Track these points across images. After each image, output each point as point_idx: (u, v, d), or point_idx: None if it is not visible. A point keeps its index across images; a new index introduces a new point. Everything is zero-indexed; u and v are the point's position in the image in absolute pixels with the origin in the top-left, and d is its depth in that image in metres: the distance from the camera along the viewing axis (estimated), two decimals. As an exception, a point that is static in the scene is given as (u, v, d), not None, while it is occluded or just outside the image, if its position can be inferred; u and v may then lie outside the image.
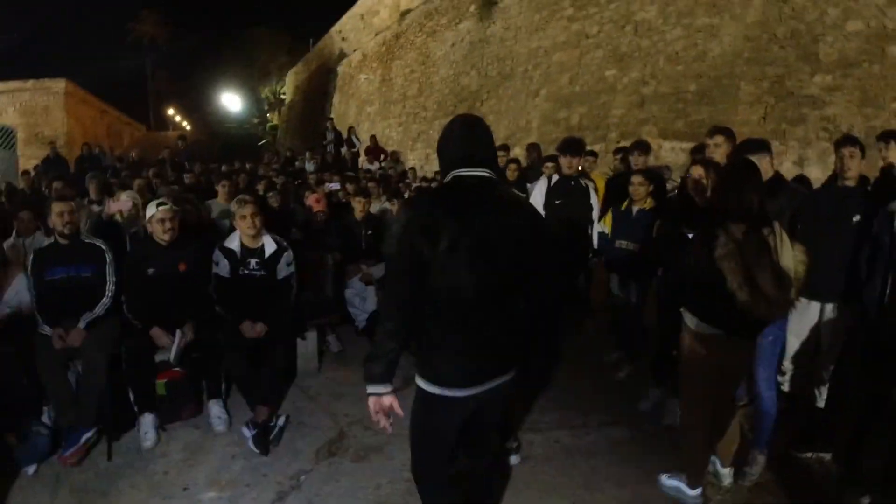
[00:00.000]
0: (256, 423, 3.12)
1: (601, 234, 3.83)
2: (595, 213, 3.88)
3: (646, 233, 3.54)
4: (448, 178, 1.84)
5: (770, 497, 2.65)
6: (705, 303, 2.33)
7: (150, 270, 3.41)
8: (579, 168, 3.93)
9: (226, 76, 32.04)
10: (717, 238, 2.18)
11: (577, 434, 3.17)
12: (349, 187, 6.48)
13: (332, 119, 13.46)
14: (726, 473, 2.70)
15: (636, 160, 4.37)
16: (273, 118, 30.42)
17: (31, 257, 3.40)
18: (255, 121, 31.15)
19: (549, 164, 4.40)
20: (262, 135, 29.25)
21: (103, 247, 3.44)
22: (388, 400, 1.74)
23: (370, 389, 1.74)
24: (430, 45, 15.77)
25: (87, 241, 3.45)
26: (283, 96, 29.78)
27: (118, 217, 4.64)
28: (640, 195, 3.65)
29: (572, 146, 3.80)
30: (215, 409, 3.35)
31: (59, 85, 17.61)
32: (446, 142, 1.88)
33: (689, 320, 2.44)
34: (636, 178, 3.67)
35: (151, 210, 3.47)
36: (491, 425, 2.05)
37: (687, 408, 2.59)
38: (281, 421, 3.23)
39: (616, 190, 4.28)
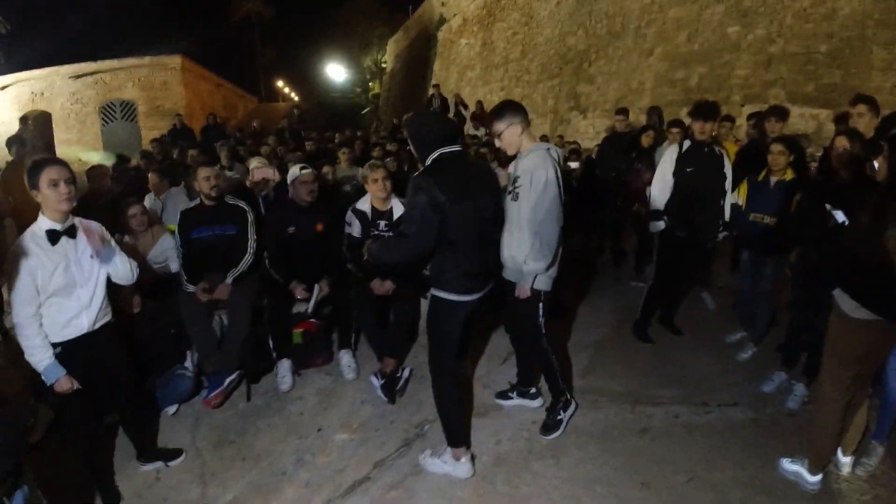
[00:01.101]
0: (384, 373, 3.35)
1: (734, 206, 3.60)
2: (728, 183, 3.64)
3: (784, 206, 3.30)
4: (435, 154, 2.44)
5: (883, 490, 2.50)
6: (867, 286, 2.16)
7: (291, 230, 3.67)
8: (713, 134, 3.67)
9: (329, 48, 33.06)
10: (886, 217, 2.00)
11: (696, 412, 3.10)
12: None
13: (437, 86, 13.51)
14: (846, 462, 2.59)
15: (772, 127, 4.05)
16: (375, 87, 31.15)
17: (168, 213, 3.72)
18: (358, 90, 32.07)
19: (675, 130, 4.16)
20: (364, 104, 30.13)
21: (245, 207, 3.72)
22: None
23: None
24: (533, 5, 15.23)
25: (230, 202, 3.72)
26: (384, 65, 30.31)
27: (252, 183, 5.05)
28: (779, 165, 3.37)
29: (707, 110, 3.55)
30: (345, 358, 3.62)
31: (175, 61, 18.74)
32: (425, 131, 2.52)
33: (844, 304, 2.28)
34: (776, 147, 3.39)
35: (295, 173, 3.71)
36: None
37: (827, 393, 2.45)
38: (406, 373, 3.45)
39: (750, 159, 4.00)
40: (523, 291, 2.72)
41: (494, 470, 2.66)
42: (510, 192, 2.68)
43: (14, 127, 16.20)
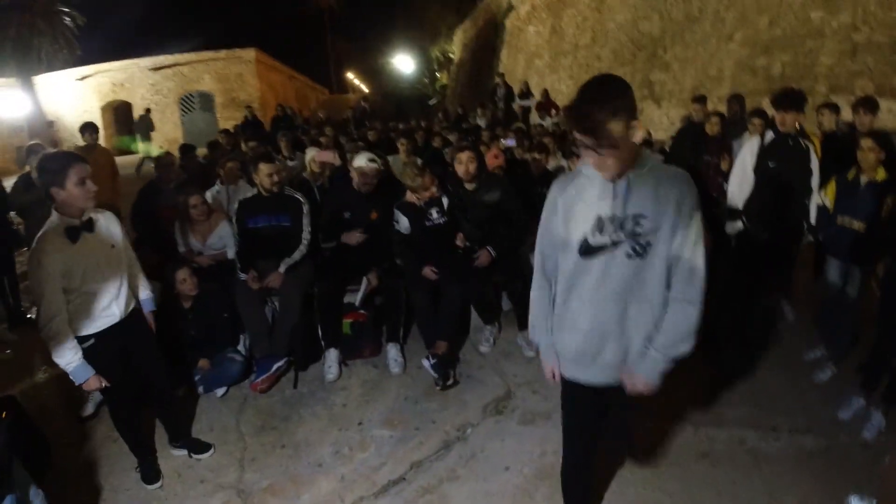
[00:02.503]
0: (436, 354, 3.31)
1: (821, 208, 3.22)
2: (815, 181, 3.25)
3: (875, 209, 2.93)
4: None
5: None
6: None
7: (347, 215, 3.71)
8: (797, 126, 3.30)
9: (397, 39, 33.32)
10: None
11: (764, 437, 2.80)
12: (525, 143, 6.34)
13: (502, 74, 13.29)
14: None
15: (861, 120, 3.64)
16: (442, 77, 31.12)
17: (234, 205, 3.77)
18: (426, 80, 32.17)
19: (757, 121, 3.78)
20: (431, 94, 30.18)
21: (301, 199, 3.76)
22: None
23: None
24: (605, -11, 14.60)
25: (287, 193, 3.77)
26: (451, 55, 30.21)
27: (310, 172, 5.10)
28: (869, 163, 2.98)
29: (791, 99, 3.19)
30: (393, 351, 3.59)
31: (250, 54, 19.51)
32: None
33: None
34: (866, 143, 2.99)
35: (360, 161, 3.74)
36: None
37: None
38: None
39: (833, 154, 3.58)
40: (651, 384, 1.72)
41: (536, 483, 2.52)
42: (618, 242, 1.60)
43: (95, 115, 17.36)
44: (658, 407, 3.04)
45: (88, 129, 5.60)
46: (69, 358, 2.26)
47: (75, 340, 2.29)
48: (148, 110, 15.63)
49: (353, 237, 3.67)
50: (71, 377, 2.31)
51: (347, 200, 3.76)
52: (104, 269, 2.36)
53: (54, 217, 2.25)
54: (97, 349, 2.35)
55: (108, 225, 2.44)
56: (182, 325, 3.39)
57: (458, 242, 3.68)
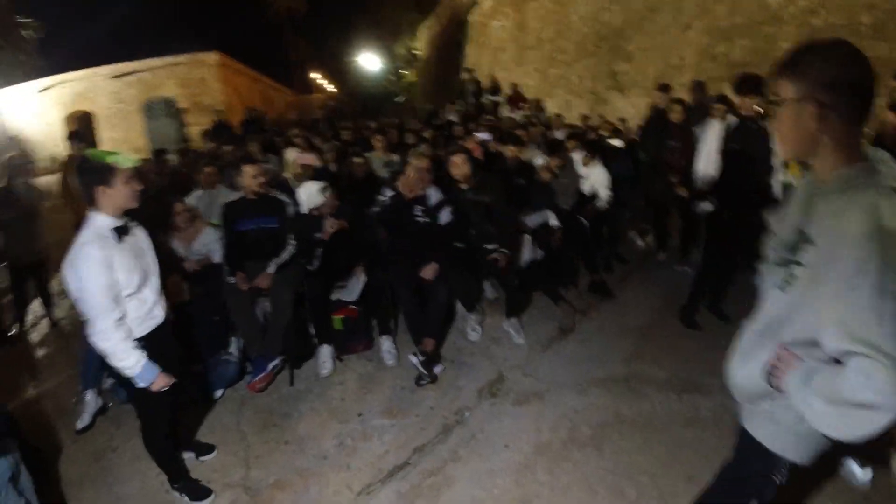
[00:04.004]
0: (424, 352, 3.37)
1: (785, 185, 3.41)
2: (777, 160, 3.44)
3: None
4: None
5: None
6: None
7: (317, 234, 3.73)
8: (757, 109, 3.48)
9: (361, 38, 33.14)
10: None
11: (747, 402, 2.99)
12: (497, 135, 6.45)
13: (471, 70, 13.41)
14: None
15: None
16: (411, 75, 31.06)
17: (214, 210, 3.75)
18: (391, 78, 32.06)
19: (719, 106, 3.95)
20: (398, 92, 30.10)
21: (286, 200, 3.77)
22: None
23: None
24: (567, -17, 14.81)
25: (271, 195, 3.77)
26: (416, 52, 30.18)
27: (292, 173, 5.12)
28: None
29: (749, 84, 3.36)
30: (386, 344, 3.65)
31: (212, 58, 18.95)
32: None
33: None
34: None
35: (314, 199, 3.82)
36: None
37: None
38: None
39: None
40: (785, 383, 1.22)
41: (534, 459, 2.63)
42: (781, 264, 1.24)
43: (57, 127, 16.81)
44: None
45: (76, 137, 5.49)
46: (137, 357, 2.19)
47: (133, 340, 2.22)
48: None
49: (328, 228, 3.66)
50: (137, 379, 2.21)
51: (313, 223, 3.78)
52: (146, 271, 2.33)
53: (99, 218, 2.18)
54: (147, 351, 2.27)
55: (139, 232, 2.43)
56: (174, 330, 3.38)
57: (427, 276, 3.57)
